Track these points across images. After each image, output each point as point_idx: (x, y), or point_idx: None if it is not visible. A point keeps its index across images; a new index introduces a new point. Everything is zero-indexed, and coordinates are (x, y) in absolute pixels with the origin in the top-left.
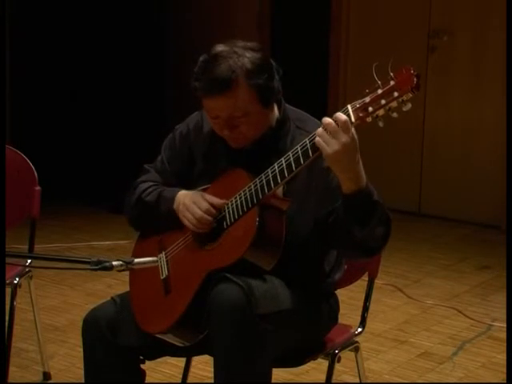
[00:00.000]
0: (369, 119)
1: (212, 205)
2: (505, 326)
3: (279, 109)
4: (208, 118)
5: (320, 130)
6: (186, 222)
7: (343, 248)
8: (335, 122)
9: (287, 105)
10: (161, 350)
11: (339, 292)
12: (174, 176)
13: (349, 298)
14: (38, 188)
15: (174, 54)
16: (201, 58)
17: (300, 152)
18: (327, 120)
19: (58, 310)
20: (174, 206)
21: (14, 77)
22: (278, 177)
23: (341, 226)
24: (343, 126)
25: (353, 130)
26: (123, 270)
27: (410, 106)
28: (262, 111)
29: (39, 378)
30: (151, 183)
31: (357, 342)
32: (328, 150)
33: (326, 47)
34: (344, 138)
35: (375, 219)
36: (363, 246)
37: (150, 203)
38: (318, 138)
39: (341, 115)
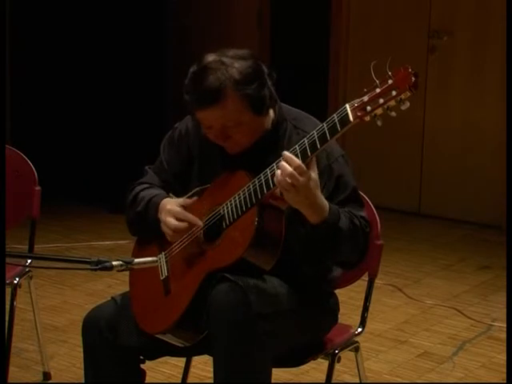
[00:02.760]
0: (367, 118)
1: (184, 207)
2: (505, 326)
3: (275, 111)
4: (202, 127)
5: (280, 177)
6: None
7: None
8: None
9: (284, 104)
10: (161, 350)
11: (339, 292)
12: (173, 176)
13: (349, 298)
14: (38, 188)
15: (174, 55)
16: (191, 70)
17: (298, 151)
18: (278, 175)
19: (57, 310)
20: (158, 215)
21: (14, 77)
22: None
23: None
24: (298, 172)
25: (313, 173)
26: (123, 270)
27: (408, 104)
28: (255, 119)
29: (39, 378)
30: (145, 185)
31: (357, 342)
32: (291, 202)
33: (326, 47)
34: (302, 185)
35: (346, 243)
36: (343, 265)
37: (140, 212)
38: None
39: (291, 162)
